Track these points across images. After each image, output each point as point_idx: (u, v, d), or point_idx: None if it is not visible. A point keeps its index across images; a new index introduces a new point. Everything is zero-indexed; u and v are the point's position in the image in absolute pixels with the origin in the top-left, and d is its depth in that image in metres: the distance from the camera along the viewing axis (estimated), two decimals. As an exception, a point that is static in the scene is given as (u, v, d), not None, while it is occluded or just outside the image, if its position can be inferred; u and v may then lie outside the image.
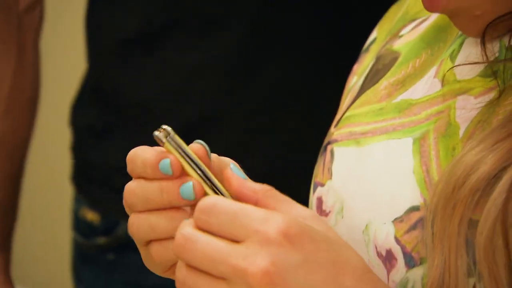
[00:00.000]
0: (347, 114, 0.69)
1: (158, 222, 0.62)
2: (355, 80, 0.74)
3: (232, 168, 0.60)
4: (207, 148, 0.61)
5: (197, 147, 0.61)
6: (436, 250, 0.57)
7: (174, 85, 1.11)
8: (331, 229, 0.58)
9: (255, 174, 1.06)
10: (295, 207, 0.58)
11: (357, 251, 0.58)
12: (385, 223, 0.63)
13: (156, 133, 0.59)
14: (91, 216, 1.16)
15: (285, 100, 1.11)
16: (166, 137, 0.59)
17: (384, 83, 0.68)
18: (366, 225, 0.64)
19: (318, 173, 0.69)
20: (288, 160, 1.12)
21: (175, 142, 0.59)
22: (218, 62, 1.09)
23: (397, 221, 0.62)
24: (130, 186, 0.63)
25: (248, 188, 0.58)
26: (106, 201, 1.15)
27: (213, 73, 1.10)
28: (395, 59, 0.70)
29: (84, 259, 1.19)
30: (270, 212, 0.56)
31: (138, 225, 0.63)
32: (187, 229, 0.55)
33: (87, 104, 1.19)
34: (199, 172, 0.60)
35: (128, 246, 1.12)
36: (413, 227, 0.62)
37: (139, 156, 0.61)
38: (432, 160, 0.62)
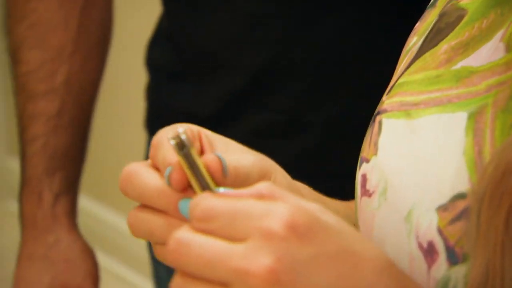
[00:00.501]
0: (401, 80, 0.62)
1: (156, 226, 0.58)
2: (414, 41, 0.66)
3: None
4: (224, 162, 0.57)
5: (212, 160, 0.57)
6: (480, 246, 0.49)
7: (242, 33, 1.08)
8: (343, 222, 0.51)
9: (320, 127, 1.05)
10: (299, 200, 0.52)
11: (398, 242, 0.53)
12: (428, 211, 0.56)
13: (172, 142, 0.55)
14: None
15: (349, 49, 1.08)
16: (181, 150, 0.55)
17: (444, 46, 0.60)
18: (409, 211, 0.56)
19: (365, 147, 0.63)
20: (355, 112, 1.07)
21: (189, 157, 0.55)
22: (284, 11, 1.06)
23: (441, 209, 0.55)
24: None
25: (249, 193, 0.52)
26: None
27: (280, 21, 1.06)
28: (460, 17, 0.61)
29: None
30: (272, 203, 0.50)
31: (137, 226, 0.59)
32: (181, 233, 0.50)
33: (162, 45, 1.16)
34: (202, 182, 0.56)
35: None
36: (458, 217, 0.54)
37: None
38: (486, 140, 0.54)
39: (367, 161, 0.62)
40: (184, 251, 0.49)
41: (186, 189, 0.57)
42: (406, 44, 0.67)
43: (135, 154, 1.33)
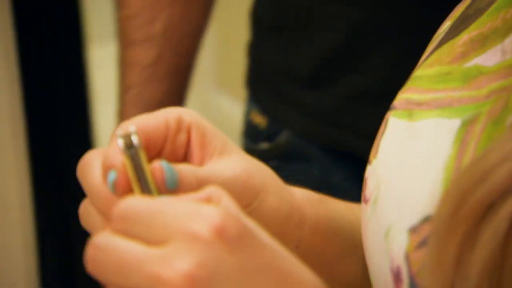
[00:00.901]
0: (416, 73, 0.57)
1: (98, 224, 0.53)
2: (446, 26, 0.60)
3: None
4: (168, 174, 0.51)
5: (155, 169, 0.51)
6: (433, 277, 0.43)
7: None
8: (278, 244, 0.46)
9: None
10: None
11: (379, 261, 0.49)
12: (401, 231, 0.51)
13: (120, 140, 0.50)
14: (258, 119, 1.12)
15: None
16: (129, 148, 0.50)
17: (464, 37, 0.55)
18: (388, 228, 0.52)
19: (373, 147, 0.58)
20: None
21: (135, 159, 0.50)
22: None
23: (411, 230, 0.50)
24: None
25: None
26: (273, 105, 1.11)
27: None
28: (490, 3, 0.55)
29: None
30: (203, 206, 0.44)
31: (84, 218, 0.54)
32: (98, 237, 0.45)
33: (266, 1, 1.13)
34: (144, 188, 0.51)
35: (290, 156, 1.08)
36: (423, 243, 0.49)
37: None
38: (467, 154, 0.48)
39: (370, 163, 0.57)
40: (100, 257, 0.44)
41: (128, 194, 0.51)
42: (439, 29, 0.61)
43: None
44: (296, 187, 0.60)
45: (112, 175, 0.51)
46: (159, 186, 0.51)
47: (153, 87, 1.13)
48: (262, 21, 1.13)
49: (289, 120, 1.08)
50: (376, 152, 0.56)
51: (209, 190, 0.46)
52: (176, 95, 1.14)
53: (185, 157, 0.56)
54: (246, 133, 1.15)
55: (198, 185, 0.52)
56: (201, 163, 0.56)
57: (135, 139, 0.50)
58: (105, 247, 0.44)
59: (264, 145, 1.12)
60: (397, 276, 0.50)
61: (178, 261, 0.42)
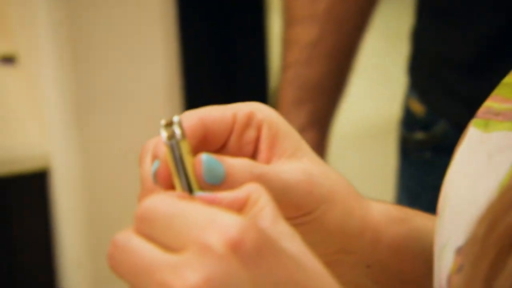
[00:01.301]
0: (505, 80, 0.54)
1: None
2: None
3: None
4: (204, 171, 0.49)
5: (196, 164, 0.49)
6: None
7: None
8: (309, 255, 0.45)
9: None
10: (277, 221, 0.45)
11: (435, 279, 0.47)
12: (451, 251, 0.49)
13: (162, 130, 0.49)
14: (416, 107, 1.10)
15: None
16: (170, 139, 0.49)
17: None
18: (443, 246, 0.50)
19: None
20: None
21: (176, 150, 0.49)
22: None
23: (457, 251, 0.48)
24: None
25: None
26: (431, 93, 1.09)
27: None
28: None
29: (405, 153, 1.14)
30: (222, 213, 0.43)
31: None
32: (119, 235, 0.45)
33: None
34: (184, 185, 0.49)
35: (444, 148, 1.04)
36: (461, 267, 0.48)
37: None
38: None
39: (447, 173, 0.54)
40: (117, 256, 0.44)
41: (170, 187, 0.50)
42: None
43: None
44: (379, 203, 0.57)
45: (155, 165, 0.50)
46: (199, 180, 0.50)
47: (310, 68, 1.11)
48: (426, 6, 1.10)
49: (445, 109, 1.06)
50: (452, 163, 0.53)
51: (248, 188, 0.46)
52: (335, 77, 1.13)
53: (253, 155, 0.55)
54: (404, 120, 1.13)
55: (253, 181, 0.49)
56: (267, 162, 0.54)
57: (177, 130, 0.49)
58: (123, 247, 0.44)
59: (419, 135, 1.09)
60: None
61: (188, 273, 0.41)
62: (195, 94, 1.55)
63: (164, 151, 0.49)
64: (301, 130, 1.10)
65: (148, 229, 0.44)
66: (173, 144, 0.48)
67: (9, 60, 1.58)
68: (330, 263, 0.53)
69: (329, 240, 0.54)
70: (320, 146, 1.13)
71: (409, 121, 1.12)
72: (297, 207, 0.52)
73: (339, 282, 0.52)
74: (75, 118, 1.34)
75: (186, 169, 0.49)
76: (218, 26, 1.66)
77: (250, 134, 0.54)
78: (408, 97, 1.12)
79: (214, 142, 0.53)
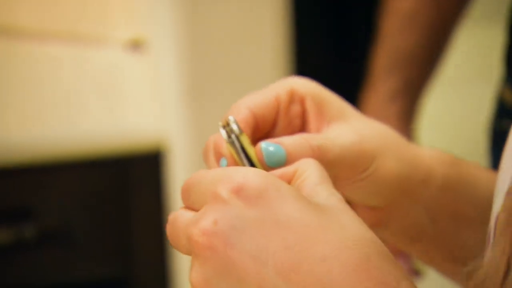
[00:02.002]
0: None
1: None
2: None
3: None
4: (265, 156, 0.54)
5: (257, 151, 0.54)
6: (501, 239, 0.46)
7: None
8: (347, 212, 0.47)
9: None
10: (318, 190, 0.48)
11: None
12: (501, 193, 0.51)
13: (221, 130, 0.54)
14: (508, 96, 1.10)
15: None
16: (229, 137, 0.54)
17: None
18: (499, 190, 0.52)
19: None
20: None
21: (236, 143, 0.54)
22: None
23: (507, 193, 0.49)
24: None
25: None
26: None
27: None
28: None
29: (495, 141, 1.14)
30: (236, 169, 0.49)
31: None
32: (172, 212, 0.51)
33: None
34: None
35: None
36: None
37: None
38: None
39: None
40: (169, 228, 0.50)
41: None
42: None
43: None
44: (430, 148, 0.61)
45: (223, 162, 0.55)
46: (264, 166, 0.54)
47: (406, 38, 1.13)
48: None
49: None
50: None
51: (298, 163, 0.51)
52: (429, 50, 1.14)
53: (302, 127, 0.58)
54: (495, 109, 1.13)
55: (314, 154, 0.54)
56: (318, 131, 0.58)
57: (234, 127, 0.54)
58: (171, 219, 0.49)
59: (506, 123, 1.10)
60: (489, 236, 0.52)
61: (201, 221, 0.46)
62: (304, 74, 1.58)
63: (227, 149, 0.54)
64: (389, 97, 1.12)
65: (186, 200, 0.50)
66: (233, 140, 0.53)
67: (134, 45, 1.63)
68: (391, 208, 0.59)
69: (387, 188, 0.57)
70: (407, 114, 1.13)
71: (499, 110, 1.12)
72: (354, 166, 0.56)
73: (402, 223, 0.59)
74: (190, 100, 1.39)
75: (252, 160, 0.54)
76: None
77: (296, 109, 0.58)
78: (503, 86, 1.12)
79: (265, 126, 0.57)
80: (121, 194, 1.45)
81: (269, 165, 0.54)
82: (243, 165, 0.54)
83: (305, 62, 1.56)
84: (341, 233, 0.46)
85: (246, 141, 0.54)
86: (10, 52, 1.69)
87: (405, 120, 1.13)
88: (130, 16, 1.67)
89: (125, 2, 1.74)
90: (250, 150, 0.54)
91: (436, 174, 0.59)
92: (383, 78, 1.13)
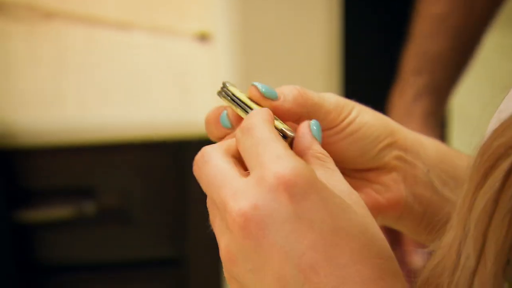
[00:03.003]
0: None
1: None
2: None
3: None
4: (261, 88, 0.57)
5: (251, 88, 0.57)
6: (458, 216, 0.46)
7: None
8: (366, 214, 0.50)
9: None
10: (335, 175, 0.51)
11: None
12: None
13: (217, 92, 0.58)
14: None
15: None
16: (221, 91, 0.58)
17: None
18: None
19: None
20: None
21: (227, 92, 0.58)
22: None
23: None
24: None
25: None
26: None
27: None
28: None
29: None
30: (288, 154, 0.50)
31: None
32: (208, 147, 0.52)
33: None
34: (248, 110, 0.57)
35: None
36: None
37: (205, 118, 0.59)
38: None
39: None
40: (200, 166, 0.51)
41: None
42: None
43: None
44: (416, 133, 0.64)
45: (223, 115, 0.58)
46: (260, 102, 0.57)
47: (436, 41, 1.15)
48: None
49: None
50: None
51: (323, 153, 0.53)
52: (458, 53, 1.15)
53: None
54: None
55: (299, 94, 0.58)
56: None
57: (225, 84, 0.58)
58: (207, 158, 0.51)
59: None
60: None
61: (242, 198, 0.48)
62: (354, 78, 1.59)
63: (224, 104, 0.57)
64: (416, 96, 1.13)
65: (242, 140, 0.52)
66: (226, 92, 0.57)
67: (202, 37, 1.69)
68: (402, 176, 0.61)
69: (373, 142, 0.60)
70: (432, 115, 1.14)
71: None
72: (335, 110, 0.60)
73: (413, 193, 0.62)
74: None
75: (247, 103, 0.57)
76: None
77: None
78: None
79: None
80: (179, 176, 1.49)
81: (266, 96, 0.57)
82: (242, 111, 0.57)
83: (356, 58, 1.58)
84: (364, 243, 0.48)
85: (236, 90, 0.58)
86: (94, 39, 1.76)
87: (430, 120, 1.14)
88: (200, 11, 1.72)
89: None
90: (242, 95, 0.57)
91: (428, 145, 0.63)
92: (411, 79, 1.15)
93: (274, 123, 0.55)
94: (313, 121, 0.56)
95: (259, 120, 0.52)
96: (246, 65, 1.46)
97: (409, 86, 1.15)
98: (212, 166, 0.51)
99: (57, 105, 1.57)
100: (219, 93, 0.58)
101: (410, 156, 0.62)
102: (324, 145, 0.58)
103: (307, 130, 0.55)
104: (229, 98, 0.57)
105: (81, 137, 1.51)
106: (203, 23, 1.69)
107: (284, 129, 0.55)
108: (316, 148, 0.54)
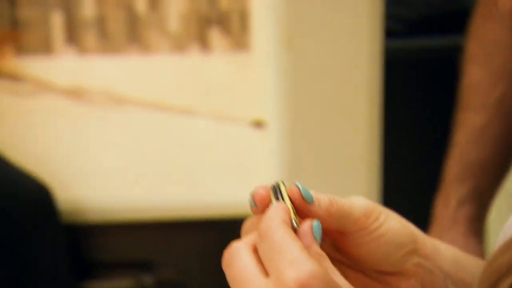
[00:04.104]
0: None
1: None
2: None
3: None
4: (301, 188, 0.60)
5: (292, 188, 0.60)
6: None
7: None
8: None
9: None
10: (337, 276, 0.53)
11: None
12: None
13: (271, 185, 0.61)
14: None
15: None
16: (272, 186, 0.61)
17: None
18: None
19: None
20: None
21: (276, 188, 0.60)
22: None
23: None
24: None
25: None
26: None
27: None
28: None
29: None
30: (304, 256, 0.52)
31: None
32: (237, 243, 0.55)
33: None
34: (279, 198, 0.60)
35: None
36: None
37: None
38: None
39: None
40: (229, 262, 0.54)
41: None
42: None
43: None
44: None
45: (274, 202, 0.60)
46: (296, 201, 0.60)
47: (476, 149, 1.19)
48: None
49: None
50: None
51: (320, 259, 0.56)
52: (498, 160, 1.20)
53: None
54: None
55: (331, 204, 0.61)
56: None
57: (278, 182, 0.61)
58: (235, 254, 0.55)
59: None
60: None
61: None
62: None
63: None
64: (460, 203, 1.17)
65: (261, 244, 0.55)
66: (275, 186, 0.61)
67: (257, 124, 1.77)
68: (420, 283, 0.64)
69: (396, 247, 0.63)
70: (477, 220, 1.18)
71: None
72: (364, 216, 0.63)
73: None
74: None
75: (284, 197, 0.60)
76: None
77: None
78: None
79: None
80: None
81: (304, 197, 0.60)
82: (275, 197, 0.60)
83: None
84: None
85: (283, 188, 0.61)
86: (161, 123, 1.84)
87: (475, 226, 1.17)
88: (256, 101, 1.81)
89: (252, 90, 1.91)
90: (285, 193, 0.60)
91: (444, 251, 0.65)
92: (454, 184, 1.18)
93: (291, 219, 0.58)
94: (315, 222, 0.57)
95: (274, 223, 0.55)
96: (295, 150, 1.54)
97: (453, 193, 1.18)
98: (237, 263, 0.54)
99: (123, 184, 1.66)
100: (271, 187, 0.61)
101: (430, 263, 0.64)
102: (351, 246, 0.62)
103: (308, 231, 0.57)
104: (275, 193, 0.60)
105: (144, 215, 1.60)
106: (258, 111, 1.78)
107: (294, 221, 0.58)
108: (315, 249, 0.56)
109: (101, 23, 2.08)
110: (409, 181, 1.76)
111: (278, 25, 1.64)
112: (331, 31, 1.53)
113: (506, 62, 1.17)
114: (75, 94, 1.95)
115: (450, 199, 1.19)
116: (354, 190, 1.54)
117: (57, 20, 2.08)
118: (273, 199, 0.60)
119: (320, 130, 1.54)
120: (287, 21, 1.56)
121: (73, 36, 2.09)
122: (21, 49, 2.06)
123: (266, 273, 0.53)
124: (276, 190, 0.60)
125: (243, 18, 2.04)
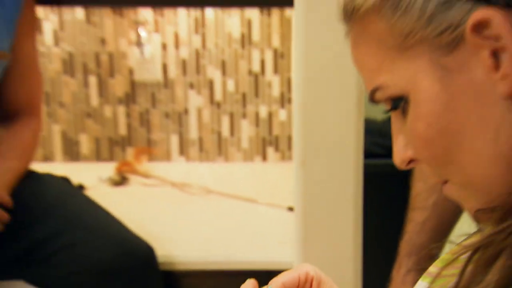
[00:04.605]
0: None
1: None
2: None
3: None
4: None
5: None
6: None
7: None
8: None
9: None
10: None
11: None
12: None
13: None
14: None
15: None
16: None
17: None
18: None
19: None
20: None
21: None
22: None
23: None
24: None
25: None
26: None
27: None
28: None
29: None
30: None
31: None
32: None
33: None
34: None
35: None
36: None
37: None
38: None
39: None
40: None
41: None
42: None
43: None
44: None
45: None
46: None
47: (419, 237, 1.42)
48: None
49: None
50: None
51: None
52: (436, 242, 1.40)
53: None
54: None
55: None
56: None
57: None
58: None
59: None
60: None
61: None
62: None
63: None
64: (408, 271, 1.40)
65: None
66: None
67: (290, 209, 2.13)
68: None
69: None
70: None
71: None
72: None
73: None
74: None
75: None
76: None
77: (307, 286, 0.79)
78: None
79: None
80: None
81: None
82: None
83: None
84: None
85: None
86: (232, 207, 2.23)
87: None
88: (289, 192, 2.15)
89: (286, 181, 2.36)
90: None
91: None
92: (404, 259, 1.42)
93: None
94: None
95: None
96: (307, 227, 1.71)
97: (403, 264, 1.41)
98: None
99: (206, 245, 1.99)
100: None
101: None
102: None
103: None
104: None
105: (221, 266, 1.92)
106: (291, 200, 2.02)
107: None
108: None
109: (201, 142, 2.63)
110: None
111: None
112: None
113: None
114: (182, 187, 2.37)
115: (401, 268, 1.42)
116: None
117: (174, 141, 2.64)
118: None
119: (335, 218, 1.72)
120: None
121: (183, 150, 2.63)
122: (151, 158, 2.57)
123: None
124: None
125: (289, 140, 2.63)
